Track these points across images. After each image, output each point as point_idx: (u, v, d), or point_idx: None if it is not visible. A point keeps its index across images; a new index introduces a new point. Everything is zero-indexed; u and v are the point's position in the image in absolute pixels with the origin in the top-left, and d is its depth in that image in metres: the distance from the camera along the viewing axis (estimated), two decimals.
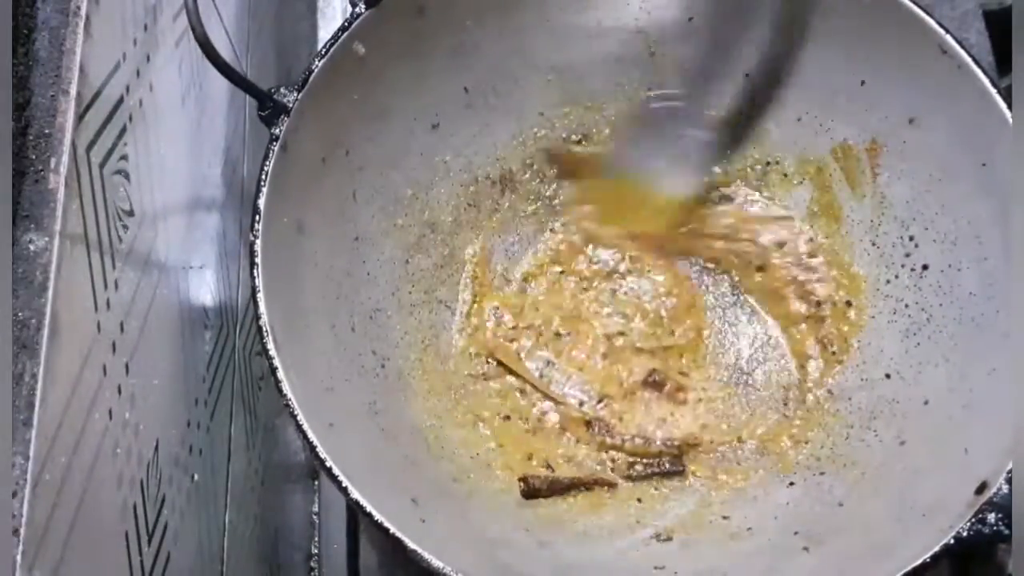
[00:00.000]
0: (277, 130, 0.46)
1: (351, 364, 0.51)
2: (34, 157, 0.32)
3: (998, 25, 0.66)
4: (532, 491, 0.52)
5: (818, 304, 0.57)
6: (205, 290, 0.48)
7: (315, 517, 0.63)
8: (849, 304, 0.56)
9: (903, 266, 0.53)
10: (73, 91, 0.33)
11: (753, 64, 0.56)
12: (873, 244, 0.55)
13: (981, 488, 0.41)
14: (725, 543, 0.49)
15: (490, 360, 0.57)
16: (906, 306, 0.53)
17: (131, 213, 0.38)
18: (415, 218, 0.57)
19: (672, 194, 0.60)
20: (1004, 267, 0.47)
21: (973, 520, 0.40)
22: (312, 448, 0.42)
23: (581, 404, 0.56)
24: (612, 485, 0.53)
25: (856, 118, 0.54)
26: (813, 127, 0.56)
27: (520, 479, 0.52)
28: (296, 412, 0.42)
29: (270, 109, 0.46)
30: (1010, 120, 0.46)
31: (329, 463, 0.42)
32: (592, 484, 0.53)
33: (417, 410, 0.53)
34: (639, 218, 0.60)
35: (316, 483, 0.64)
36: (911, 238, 0.53)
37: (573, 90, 0.59)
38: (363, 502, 0.41)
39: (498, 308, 0.59)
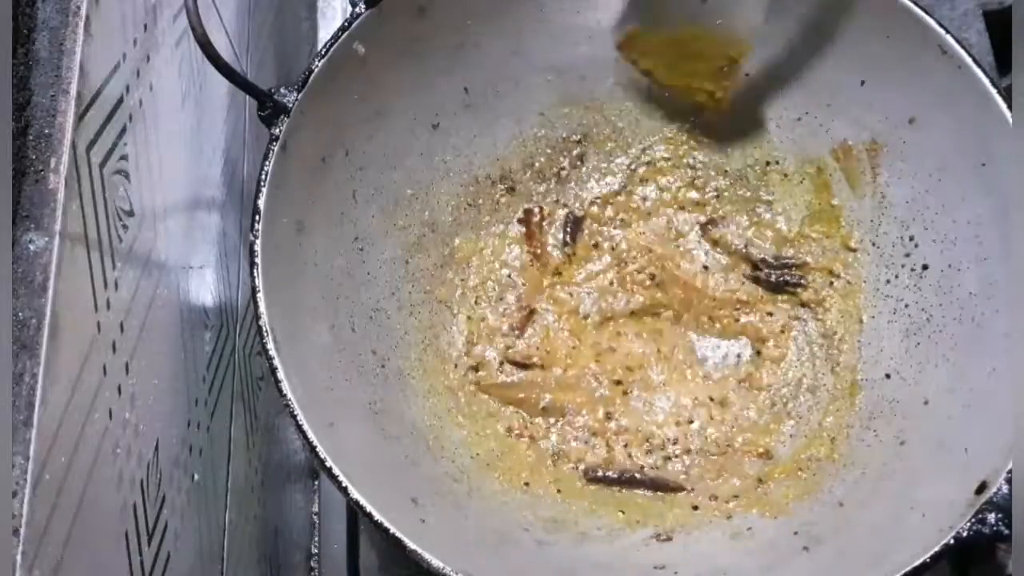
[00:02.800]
0: (277, 130, 0.46)
1: (351, 364, 0.51)
2: (34, 157, 0.32)
3: (998, 25, 0.66)
4: (596, 479, 0.53)
5: (817, 304, 0.57)
6: (205, 290, 0.48)
7: (315, 517, 0.63)
8: (848, 304, 0.56)
9: (903, 266, 0.53)
10: (73, 91, 0.33)
11: (753, 63, 0.56)
12: (873, 244, 0.55)
13: (981, 488, 0.41)
14: (725, 543, 0.49)
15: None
16: (906, 306, 0.53)
17: (131, 213, 0.38)
18: (415, 218, 0.57)
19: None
20: (1004, 267, 0.47)
21: (973, 520, 0.40)
22: (312, 448, 0.42)
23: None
24: (677, 489, 0.52)
25: (856, 118, 0.54)
26: (813, 127, 0.56)
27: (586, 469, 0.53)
28: (296, 412, 0.42)
29: (270, 109, 0.46)
30: (1010, 120, 0.46)
31: (329, 463, 0.42)
32: (660, 485, 0.53)
33: (417, 410, 0.53)
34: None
35: (316, 483, 0.64)
36: (911, 238, 0.53)
37: (573, 90, 0.59)
38: (363, 502, 0.41)
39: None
